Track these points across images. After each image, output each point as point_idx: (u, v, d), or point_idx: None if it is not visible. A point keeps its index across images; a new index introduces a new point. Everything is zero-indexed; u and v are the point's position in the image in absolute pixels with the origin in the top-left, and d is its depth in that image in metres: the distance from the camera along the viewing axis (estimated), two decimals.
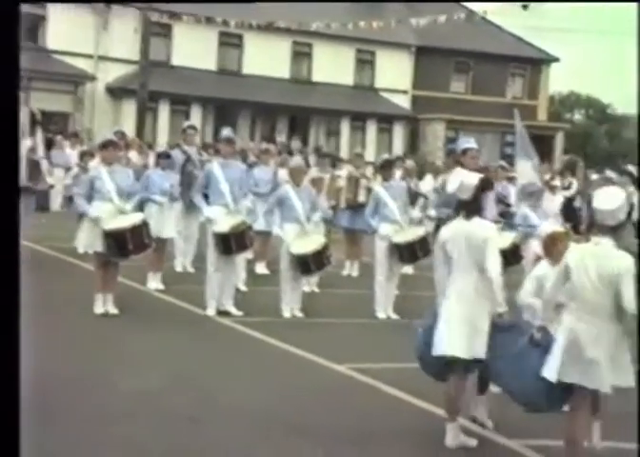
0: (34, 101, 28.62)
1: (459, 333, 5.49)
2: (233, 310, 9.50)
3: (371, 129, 36.13)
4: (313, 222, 9.77)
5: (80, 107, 31.31)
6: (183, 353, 7.86)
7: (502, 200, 11.98)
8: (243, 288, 10.79)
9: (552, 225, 6.82)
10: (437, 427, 5.78)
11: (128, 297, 9.77)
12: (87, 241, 9.50)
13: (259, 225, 10.68)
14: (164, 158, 11.35)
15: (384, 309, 9.94)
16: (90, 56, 31.31)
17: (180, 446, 5.42)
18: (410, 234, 9.91)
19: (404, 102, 36.94)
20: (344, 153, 32.96)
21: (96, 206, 9.09)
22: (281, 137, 32.89)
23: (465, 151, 8.46)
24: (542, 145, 30.69)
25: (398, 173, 15.78)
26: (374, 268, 10.14)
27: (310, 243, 9.50)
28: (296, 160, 10.65)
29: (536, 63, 39.64)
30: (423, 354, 5.77)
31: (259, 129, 34.06)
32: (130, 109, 30.81)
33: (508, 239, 9.52)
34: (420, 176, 18.49)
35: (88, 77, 31.19)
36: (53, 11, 30.42)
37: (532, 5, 24.61)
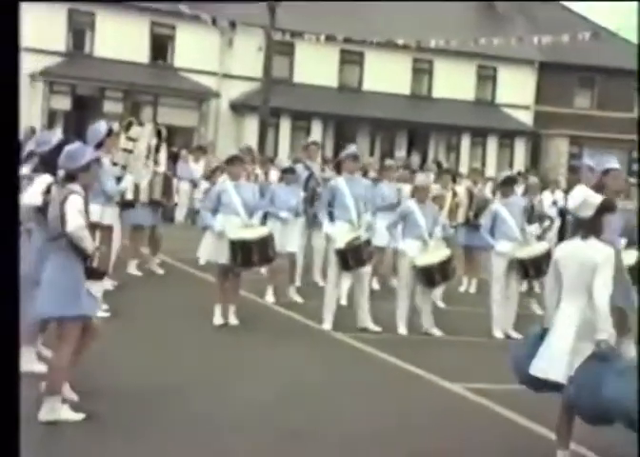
0: (161, 116, 29.63)
1: (560, 357, 5.32)
2: (371, 326, 9.45)
3: (492, 145, 35.60)
4: (435, 238, 9.76)
5: (204, 122, 32.01)
6: (297, 367, 7.83)
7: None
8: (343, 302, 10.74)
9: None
10: (551, 451, 5.53)
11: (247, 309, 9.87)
12: (210, 252, 9.56)
13: (377, 240, 10.57)
14: (289, 173, 11.31)
15: (501, 328, 9.74)
16: (214, 74, 31.94)
17: None
18: (535, 250, 9.87)
19: (526, 117, 36.31)
20: (464, 169, 32.70)
21: (222, 219, 9.25)
22: (400, 153, 32.86)
23: (607, 171, 8.05)
24: None
25: (519, 190, 15.47)
26: (491, 286, 10.01)
27: (434, 256, 9.51)
28: (422, 177, 10.70)
29: None
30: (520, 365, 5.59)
31: (378, 144, 34.05)
32: (252, 124, 31.33)
33: (633, 256, 9.12)
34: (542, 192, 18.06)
35: (212, 94, 31.84)
36: (180, 31, 31.25)
37: None
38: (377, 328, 9.41)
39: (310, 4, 31.00)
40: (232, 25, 29.48)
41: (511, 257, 9.73)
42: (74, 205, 5.74)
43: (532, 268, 9.72)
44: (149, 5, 27.63)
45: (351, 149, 10.08)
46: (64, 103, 30.12)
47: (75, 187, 5.83)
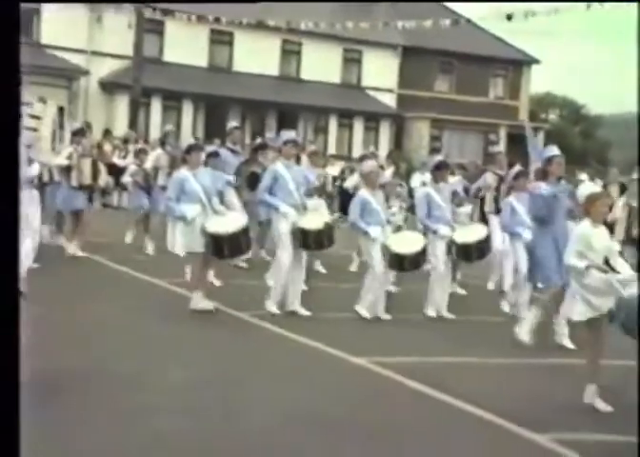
0: (30, 95, 28.62)
1: None
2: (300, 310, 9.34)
3: (359, 127, 36.18)
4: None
5: (74, 101, 31.15)
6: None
7: None
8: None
9: (591, 187, 6.87)
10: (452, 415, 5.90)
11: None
12: (187, 243, 9.39)
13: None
14: (214, 157, 11.14)
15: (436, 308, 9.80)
16: (83, 51, 31.16)
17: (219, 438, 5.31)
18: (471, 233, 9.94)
19: (390, 100, 37.03)
20: (332, 150, 33.11)
21: (187, 208, 9.18)
22: (270, 133, 32.88)
23: (550, 159, 8.60)
24: (523, 144, 30.75)
25: (388, 172, 15.71)
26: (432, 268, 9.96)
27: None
28: (369, 164, 10.32)
29: (518, 64, 39.83)
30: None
31: (249, 125, 33.97)
32: (122, 103, 30.78)
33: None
34: (408, 174, 18.40)
35: (81, 72, 31.05)
36: (47, 6, 30.16)
37: (515, 10, 24.73)
38: (306, 312, 9.24)
39: None
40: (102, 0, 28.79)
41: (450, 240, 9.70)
42: None
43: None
44: None
45: (290, 134, 9.86)
46: None
47: None
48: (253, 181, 11.80)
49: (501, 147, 36.11)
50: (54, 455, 4.78)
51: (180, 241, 9.66)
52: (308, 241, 9.25)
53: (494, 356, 7.80)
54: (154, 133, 29.72)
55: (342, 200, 17.65)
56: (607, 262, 6.28)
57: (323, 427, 5.53)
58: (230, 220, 9.24)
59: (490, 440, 5.55)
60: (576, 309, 6.25)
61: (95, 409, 5.59)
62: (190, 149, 9.58)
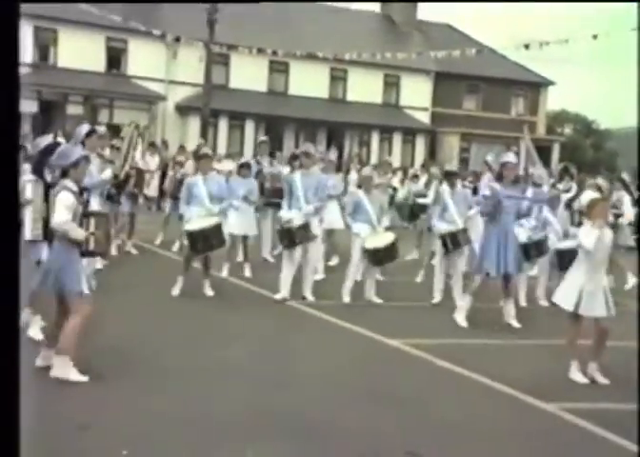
0: (116, 117, 29.67)
1: None
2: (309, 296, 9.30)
3: (397, 141, 36.29)
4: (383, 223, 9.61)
5: (153, 122, 32.12)
6: (259, 328, 7.85)
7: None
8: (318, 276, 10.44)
9: (591, 194, 6.85)
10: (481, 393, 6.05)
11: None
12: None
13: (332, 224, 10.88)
14: (245, 168, 11.07)
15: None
16: (162, 80, 31.96)
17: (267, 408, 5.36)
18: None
19: (424, 117, 37.05)
20: (374, 161, 33.51)
21: (192, 209, 9.15)
22: (321, 148, 33.45)
23: (504, 164, 8.60)
24: (541, 154, 30.91)
25: (422, 180, 16.24)
26: (438, 260, 9.81)
27: (381, 239, 9.36)
28: (367, 169, 10.33)
29: (535, 86, 39.54)
30: None
31: (302, 141, 34.55)
32: (194, 123, 31.31)
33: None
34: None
35: (160, 98, 31.87)
36: (132, 44, 31.16)
37: (531, 41, 25.06)
38: (312, 298, 9.25)
39: (243, 22, 31.42)
40: (177, 39, 29.61)
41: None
42: (62, 201, 5.62)
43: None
44: (104, 22, 27.61)
45: (305, 147, 9.87)
46: (32, 106, 29.98)
47: (67, 182, 5.72)
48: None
49: (521, 156, 36.54)
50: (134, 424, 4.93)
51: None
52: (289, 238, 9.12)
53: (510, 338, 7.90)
54: (222, 148, 30.70)
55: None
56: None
57: (363, 399, 5.68)
58: (208, 220, 8.99)
59: (505, 408, 5.74)
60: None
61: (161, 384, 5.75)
62: (200, 157, 9.37)
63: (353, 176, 19.11)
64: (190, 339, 7.24)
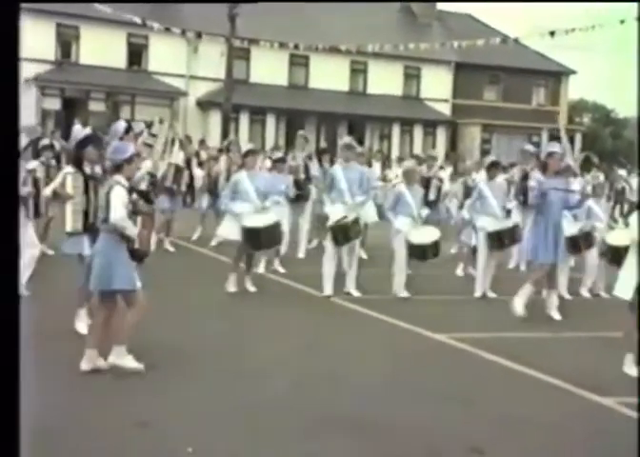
0: (138, 113, 29.57)
1: None
2: (354, 291, 9.16)
3: (418, 133, 36.07)
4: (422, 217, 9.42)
5: (175, 117, 31.96)
6: (304, 323, 7.83)
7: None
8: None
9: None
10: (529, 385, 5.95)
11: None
12: (229, 232, 9.16)
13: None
14: (280, 163, 10.93)
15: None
16: (183, 76, 31.85)
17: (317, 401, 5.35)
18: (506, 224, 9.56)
19: (445, 109, 36.81)
20: (395, 153, 33.26)
21: (238, 205, 9.00)
22: (342, 141, 33.18)
23: (551, 154, 8.40)
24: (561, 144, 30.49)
25: (447, 171, 15.91)
26: (478, 256, 9.66)
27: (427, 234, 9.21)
28: (409, 162, 10.15)
29: (557, 75, 39.16)
30: None
31: (323, 134, 34.36)
32: (215, 118, 31.42)
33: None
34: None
35: (181, 93, 31.77)
36: (153, 40, 31.01)
37: (553, 29, 24.60)
38: (357, 294, 9.11)
39: (264, 16, 31.14)
40: (198, 35, 29.39)
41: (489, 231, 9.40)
42: (119, 197, 5.58)
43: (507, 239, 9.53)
44: (125, 19, 27.43)
45: (345, 140, 9.69)
46: (54, 103, 29.92)
47: (119, 178, 5.68)
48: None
49: (542, 147, 36.09)
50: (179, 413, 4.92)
51: (222, 229, 9.36)
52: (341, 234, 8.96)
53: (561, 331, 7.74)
54: (243, 142, 30.43)
55: None
56: None
57: (419, 396, 5.59)
58: (264, 216, 8.92)
59: (561, 402, 5.57)
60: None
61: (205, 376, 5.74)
62: (247, 154, 9.26)
63: (376, 169, 18.85)
64: (242, 335, 7.16)
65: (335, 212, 9.05)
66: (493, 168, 9.68)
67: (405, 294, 9.20)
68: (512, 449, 4.68)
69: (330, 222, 9.04)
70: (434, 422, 5.02)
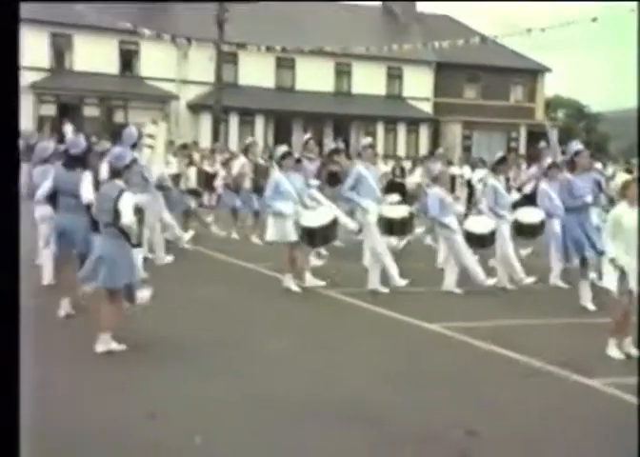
0: (131, 117, 29.83)
1: None
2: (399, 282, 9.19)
3: (402, 131, 36.31)
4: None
5: (167, 120, 32.24)
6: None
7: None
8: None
9: (624, 175, 6.84)
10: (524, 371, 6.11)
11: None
12: (278, 233, 9.32)
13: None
14: (297, 163, 10.83)
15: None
16: (173, 80, 32.00)
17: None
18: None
19: (427, 107, 37.05)
20: (380, 151, 33.62)
21: (282, 205, 9.16)
22: (328, 140, 33.62)
23: (578, 153, 8.48)
24: (540, 139, 31.10)
25: (437, 165, 16.32)
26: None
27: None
28: (439, 165, 10.29)
29: (533, 73, 39.38)
30: None
31: (310, 133, 34.63)
32: (206, 120, 31.55)
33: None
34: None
35: (172, 97, 31.93)
36: (144, 47, 31.19)
37: (527, 28, 25.14)
38: (403, 283, 9.12)
39: (251, 21, 31.50)
40: (188, 41, 29.73)
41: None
42: (129, 201, 5.80)
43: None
44: (117, 26, 27.76)
45: (366, 140, 9.79)
46: (50, 109, 30.21)
47: (120, 182, 5.90)
48: (333, 179, 12.07)
49: (521, 142, 36.71)
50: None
51: (272, 232, 9.46)
52: (392, 228, 9.28)
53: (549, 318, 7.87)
54: (233, 143, 30.83)
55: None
56: None
57: (408, 382, 5.72)
58: (321, 214, 9.16)
59: (551, 386, 5.74)
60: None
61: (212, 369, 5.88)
62: (284, 156, 9.52)
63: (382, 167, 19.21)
64: (280, 331, 7.29)
65: (379, 209, 9.14)
66: (500, 165, 9.88)
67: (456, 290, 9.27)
68: (506, 433, 4.81)
69: (388, 214, 9.13)
70: (432, 408, 5.18)
